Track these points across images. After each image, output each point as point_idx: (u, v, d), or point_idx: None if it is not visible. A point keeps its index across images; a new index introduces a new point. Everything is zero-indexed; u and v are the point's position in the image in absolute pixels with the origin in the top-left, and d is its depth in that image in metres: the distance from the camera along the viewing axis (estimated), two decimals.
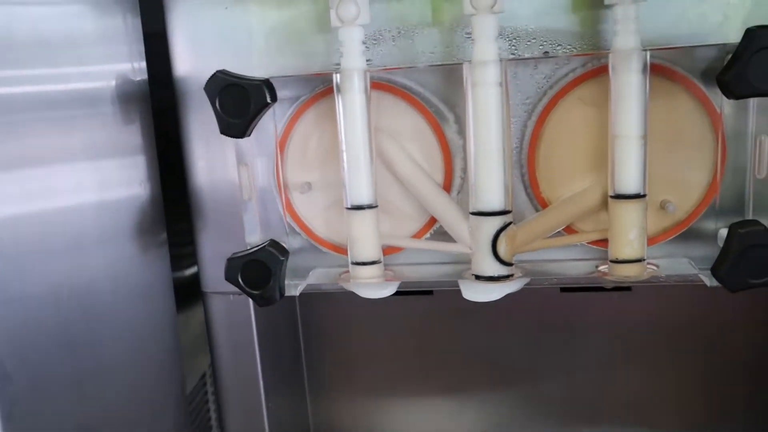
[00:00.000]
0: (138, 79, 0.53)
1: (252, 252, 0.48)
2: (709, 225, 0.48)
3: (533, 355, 0.70)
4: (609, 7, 0.45)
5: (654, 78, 0.44)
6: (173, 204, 0.59)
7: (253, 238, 0.54)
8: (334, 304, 0.71)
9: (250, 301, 0.56)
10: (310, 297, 0.69)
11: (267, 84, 0.46)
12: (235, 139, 0.49)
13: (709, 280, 0.46)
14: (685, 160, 0.47)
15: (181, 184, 0.56)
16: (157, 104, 0.56)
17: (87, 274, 0.48)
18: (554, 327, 0.69)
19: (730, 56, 0.42)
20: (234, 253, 0.49)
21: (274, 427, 0.62)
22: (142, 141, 0.54)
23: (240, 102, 0.45)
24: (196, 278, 0.59)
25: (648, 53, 0.43)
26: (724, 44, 0.44)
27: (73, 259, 0.46)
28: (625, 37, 0.44)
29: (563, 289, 0.66)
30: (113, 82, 0.50)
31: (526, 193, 0.50)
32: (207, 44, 0.52)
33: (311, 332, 0.72)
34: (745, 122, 0.46)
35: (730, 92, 0.41)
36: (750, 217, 0.46)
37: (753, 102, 0.44)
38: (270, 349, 0.62)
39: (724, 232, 0.47)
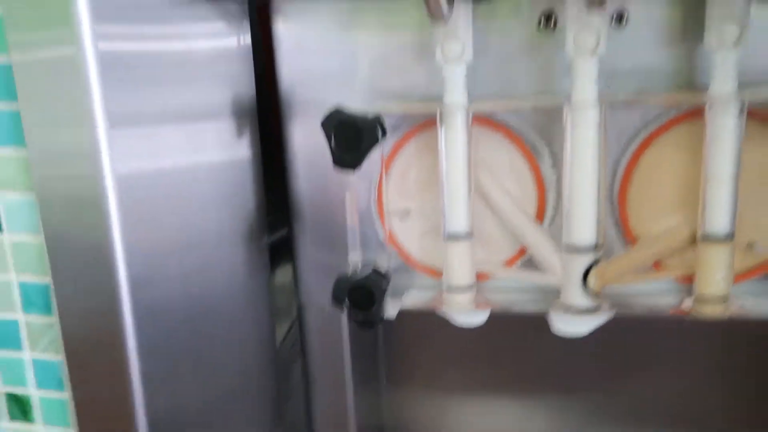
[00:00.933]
0: (249, 96, 0.57)
1: (359, 278, 0.52)
2: None
3: (603, 376, 0.71)
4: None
5: (749, 121, 0.46)
6: (273, 211, 0.63)
7: (355, 257, 0.57)
8: (411, 321, 0.74)
9: (344, 316, 0.60)
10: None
11: (379, 121, 0.49)
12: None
13: None
14: None
15: (281, 194, 0.60)
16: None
17: (209, 272, 0.52)
18: (633, 357, 0.70)
19: None
20: (341, 275, 0.53)
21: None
22: (250, 152, 0.58)
23: (353, 138, 0.49)
24: (289, 287, 0.63)
25: (746, 102, 0.45)
26: None
27: (199, 257, 0.50)
28: (723, 83, 0.45)
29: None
30: (229, 101, 0.54)
31: (615, 227, 0.52)
32: (312, 64, 0.55)
33: (388, 337, 0.76)
34: None
35: None
36: None
37: None
38: (357, 361, 0.66)
39: None
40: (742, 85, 0.45)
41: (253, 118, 0.58)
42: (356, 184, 0.55)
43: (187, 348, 0.50)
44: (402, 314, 0.73)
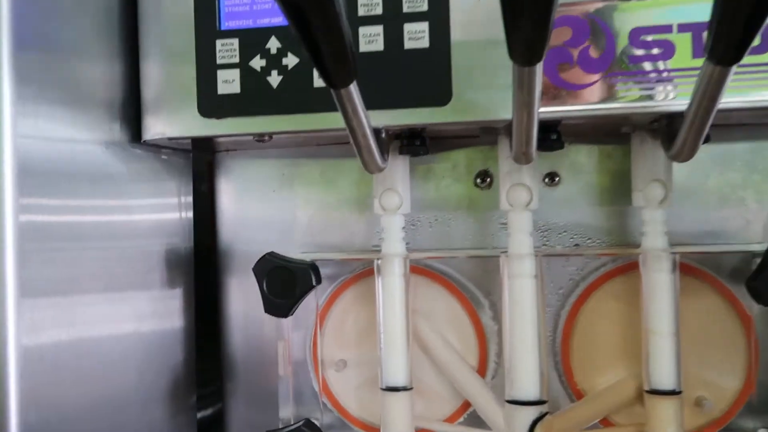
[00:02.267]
0: (185, 248, 0.56)
1: None
2: (747, 423, 0.48)
3: None
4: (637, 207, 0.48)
5: (683, 277, 0.46)
6: (204, 369, 0.59)
7: (286, 412, 0.54)
8: None
9: None
10: None
11: (313, 267, 0.48)
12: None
13: None
14: (718, 358, 0.48)
15: (214, 347, 0.57)
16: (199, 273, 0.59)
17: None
18: None
19: (757, 261, 0.44)
20: (267, 431, 0.49)
21: None
22: (181, 306, 0.56)
23: (286, 284, 0.48)
24: None
25: (677, 256, 0.45)
26: (752, 252, 0.46)
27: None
28: (654, 238, 0.46)
29: None
30: (163, 251, 0.53)
31: (560, 380, 0.50)
32: (253, 217, 0.55)
33: None
34: None
35: (761, 299, 0.43)
36: None
37: None
38: None
39: None
40: (675, 241, 0.46)
41: (188, 281, 0.57)
42: (290, 333, 0.52)
43: None
44: None
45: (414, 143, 0.46)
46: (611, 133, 0.48)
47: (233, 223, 0.56)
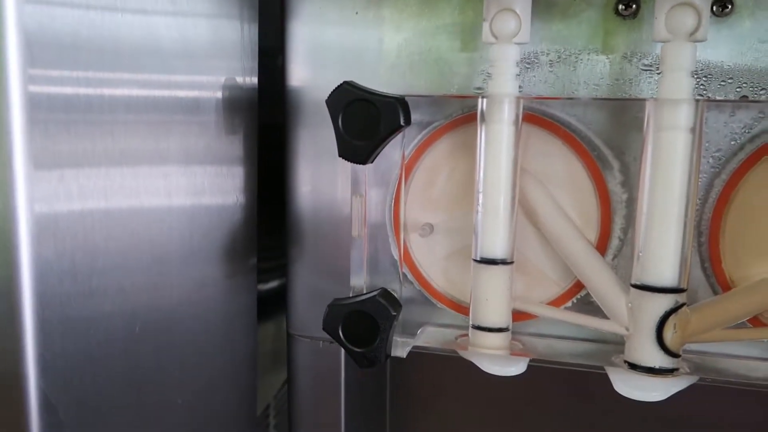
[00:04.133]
0: (247, 90, 0.47)
1: (359, 301, 0.40)
2: None
3: None
4: None
5: None
6: (268, 229, 0.52)
7: (359, 281, 0.46)
8: (427, 362, 0.62)
9: (342, 351, 0.49)
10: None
11: (402, 103, 0.38)
12: (353, 165, 0.42)
13: None
14: None
15: (281, 207, 0.50)
16: (266, 120, 0.50)
17: (167, 300, 0.41)
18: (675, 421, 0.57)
19: None
20: (337, 299, 0.41)
21: None
22: (242, 155, 0.48)
23: (368, 122, 0.38)
24: (281, 314, 0.52)
25: None
26: None
27: (154, 278, 0.40)
28: None
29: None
30: (220, 93, 0.45)
31: (702, 267, 0.40)
32: (328, 55, 0.45)
33: (399, 389, 0.63)
34: None
35: None
36: None
37: None
38: (355, 405, 0.54)
39: None
40: None
41: (251, 124, 0.48)
42: (367, 187, 0.43)
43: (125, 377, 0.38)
44: (417, 355, 0.62)
45: None
46: None
47: (305, 56, 0.46)
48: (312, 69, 0.46)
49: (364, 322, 0.40)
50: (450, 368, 0.61)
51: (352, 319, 0.40)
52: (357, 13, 0.44)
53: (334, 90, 0.39)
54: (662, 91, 0.36)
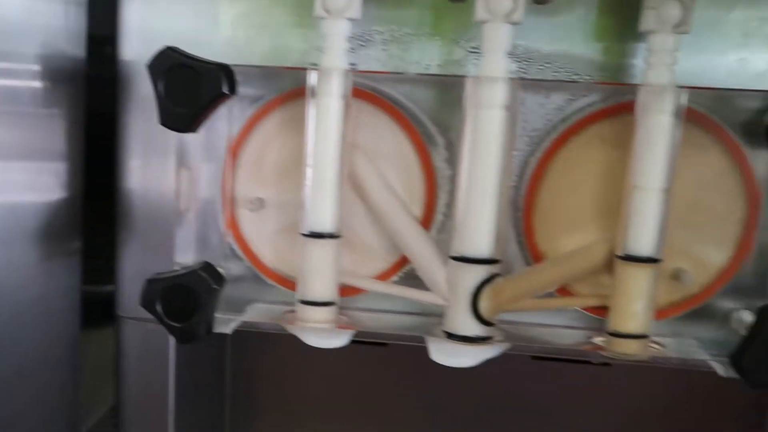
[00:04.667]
0: (73, 78, 0.45)
1: (178, 275, 0.39)
2: (726, 304, 0.41)
3: (488, 426, 0.62)
4: (641, 38, 0.38)
5: (687, 125, 0.37)
6: (100, 211, 0.49)
7: (186, 257, 0.44)
8: (271, 344, 0.61)
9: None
10: (244, 334, 0.60)
11: (226, 71, 0.37)
12: (178, 135, 0.40)
13: (723, 370, 0.39)
14: (708, 228, 0.40)
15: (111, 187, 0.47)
16: (94, 97, 0.47)
17: None
18: (518, 397, 0.61)
19: None
20: (157, 273, 0.40)
21: None
22: (66, 146, 0.45)
23: (190, 88, 0.37)
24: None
25: (684, 92, 0.36)
26: None
27: None
28: (659, 72, 0.37)
29: (535, 357, 0.58)
30: (41, 83, 0.41)
31: (518, 241, 0.42)
32: (162, 38, 0.43)
33: (240, 374, 0.62)
34: None
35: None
36: None
37: None
38: (187, 392, 0.52)
39: (743, 315, 0.40)
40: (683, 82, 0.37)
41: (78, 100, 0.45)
42: (196, 160, 0.42)
43: None
44: (260, 338, 0.61)
45: None
46: None
47: (137, 40, 0.44)
48: (146, 53, 0.44)
49: (185, 296, 0.39)
50: (297, 352, 0.61)
51: (173, 294, 0.39)
52: None
53: (155, 54, 0.37)
54: (481, 70, 0.37)
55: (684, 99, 0.36)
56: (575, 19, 0.40)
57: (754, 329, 0.37)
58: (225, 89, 0.37)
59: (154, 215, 0.46)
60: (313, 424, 0.62)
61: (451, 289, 0.39)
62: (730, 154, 0.39)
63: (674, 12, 0.36)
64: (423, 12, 0.42)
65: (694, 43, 0.39)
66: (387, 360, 0.59)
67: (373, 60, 0.42)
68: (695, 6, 0.36)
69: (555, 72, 0.41)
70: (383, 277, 0.43)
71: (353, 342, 0.54)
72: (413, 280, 0.42)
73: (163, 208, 0.45)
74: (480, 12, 0.37)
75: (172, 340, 0.48)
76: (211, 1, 0.42)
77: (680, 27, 0.36)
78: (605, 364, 0.56)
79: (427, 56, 0.42)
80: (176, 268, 0.42)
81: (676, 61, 0.37)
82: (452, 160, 0.41)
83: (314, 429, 0.63)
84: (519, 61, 0.41)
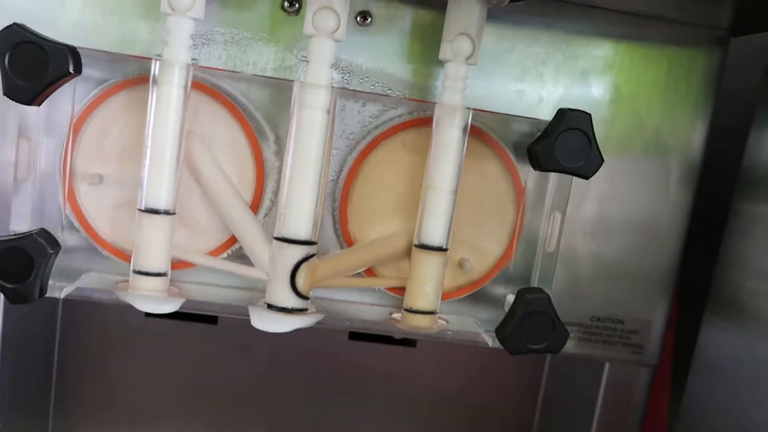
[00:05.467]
0: None
1: (14, 238, 0.41)
2: (499, 290, 0.50)
3: (309, 402, 0.68)
4: (442, 63, 0.46)
5: (472, 139, 0.46)
6: None
7: (21, 226, 0.46)
8: (103, 316, 0.63)
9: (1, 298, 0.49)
10: (77, 305, 0.62)
11: (72, 51, 0.40)
12: (19, 108, 0.43)
13: (491, 341, 0.48)
14: (486, 224, 0.49)
15: None
16: None
17: None
18: (335, 375, 0.67)
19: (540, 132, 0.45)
20: None
21: None
22: None
23: (36, 64, 0.39)
24: None
25: (471, 113, 0.45)
26: (539, 121, 0.47)
27: None
28: (452, 94, 0.45)
29: (351, 337, 0.65)
30: None
31: (334, 228, 0.49)
32: (7, 18, 0.45)
33: (70, 346, 0.64)
34: (543, 197, 0.49)
35: (537, 164, 0.43)
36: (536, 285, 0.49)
37: (553, 178, 0.48)
38: (14, 359, 0.53)
39: (511, 298, 0.49)
40: (472, 105, 0.45)
41: None
42: (36, 133, 0.44)
43: None
44: (91, 309, 0.63)
45: None
46: None
47: None
48: None
49: (20, 259, 0.41)
50: (126, 322, 0.63)
51: (7, 257, 0.41)
52: None
53: (1, 30, 0.40)
54: (307, 77, 0.43)
55: (470, 118, 0.45)
56: (392, 41, 0.48)
57: (513, 307, 0.46)
58: (71, 68, 0.40)
59: None
60: (138, 404, 0.65)
61: (273, 266, 0.45)
62: (504, 166, 0.48)
63: (465, 46, 0.44)
64: (261, 20, 0.47)
65: (482, 73, 0.47)
66: (212, 337, 0.64)
67: (215, 58, 0.47)
68: (482, 43, 0.44)
69: (372, 85, 0.48)
70: (214, 253, 0.48)
71: (185, 319, 0.59)
72: (241, 258, 0.47)
73: (1, 179, 0.47)
74: (308, 27, 0.43)
75: (2, 304, 0.49)
76: None
77: (470, 59, 0.44)
78: (407, 342, 0.65)
79: (263, 59, 0.47)
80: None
81: (466, 87, 0.45)
82: (280, 153, 0.47)
83: (138, 409, 0.65)
84: (342, 73, 0.48)
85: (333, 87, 0.44)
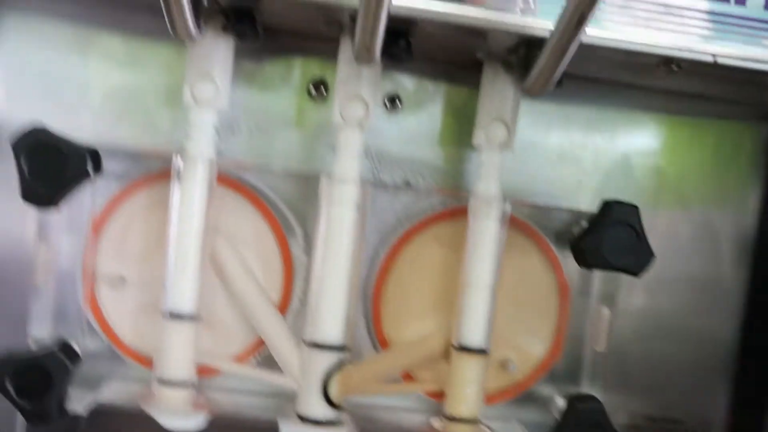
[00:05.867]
0: None
1: (32, 355, 0.39)
2: (545, 389, 0.46)
3: None
4: (476, 149, 0.44)
5: (510, 231, 0.43)
6: None
7: (41, 331, 0.44)
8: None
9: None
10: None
11: (92, 153, 0.39)
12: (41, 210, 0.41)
13: None
14: (529, 322, 0.45)
15: None
16: None
17: None
18: None
19: (583, 222, 0.42)
20: (10, 350, 0.39)
21: None
22: None
23: (54, 167, 0.38)
24: None
25: (508, 203, 0.42)
26: (579, 211, 0.44)
27: None
28: (487, 183, 0.42)
29: None
30: None
31: (366, 328, 0.46)
32: (30, 90, 0.44)
33: None
34: (588, 288, 0.45)
35: (583, 261, 0.40)
36: (585, 388, 0.45)
37: (598, 274, 0.44)
38: None
39: (559, 400, 0.45)
40: (509, 194, 0.43)
41: None
42: (56, 235, 0.43)
43: None
44: (107, 413, 0.59)
45: (242, 21, 0.38)
46: (464, 62, 0.43)
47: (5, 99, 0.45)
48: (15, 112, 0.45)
49: (36, 375, 0.39)
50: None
51: (23, 372, 0.39)
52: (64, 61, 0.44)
53: (22, 133, 0.38)
54: (335, 170, 0.41)
55: (508, 208, 0.42)
56: (422, 126, 0.46)
57: (564, 420, 0.41)
58: (90, 171, 0.38)
59: (10, 282, 0.45)
60: None
61: (304, 373, 0.42)
62: (545, 257, 0.45)
63: (500, 133, 0.42)
64: (287, 106, 0.45)
65: (517, 159, 0.45)
66: None
67: (240, 148, 0.45)
68: (517, 129, 0.42)
69: (403, 173, 0.46)
70: (241, 357, 0.45)
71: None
72: (270, 362, 0.44)
73: (21, 274, 0.45)
74: (336, 117, 0.41)
75: (19, 421, 0.47)
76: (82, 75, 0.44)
77: (505, 146, 0.42)
78: None
79: (289, 148, 0.45)
80: (30, 342, 0.42)
81: (501, 174, 0.42)
82: (309, 250, 0.45)
83: None
84: (372, 161, 0.45)
85: (362, 180, 0.41)
